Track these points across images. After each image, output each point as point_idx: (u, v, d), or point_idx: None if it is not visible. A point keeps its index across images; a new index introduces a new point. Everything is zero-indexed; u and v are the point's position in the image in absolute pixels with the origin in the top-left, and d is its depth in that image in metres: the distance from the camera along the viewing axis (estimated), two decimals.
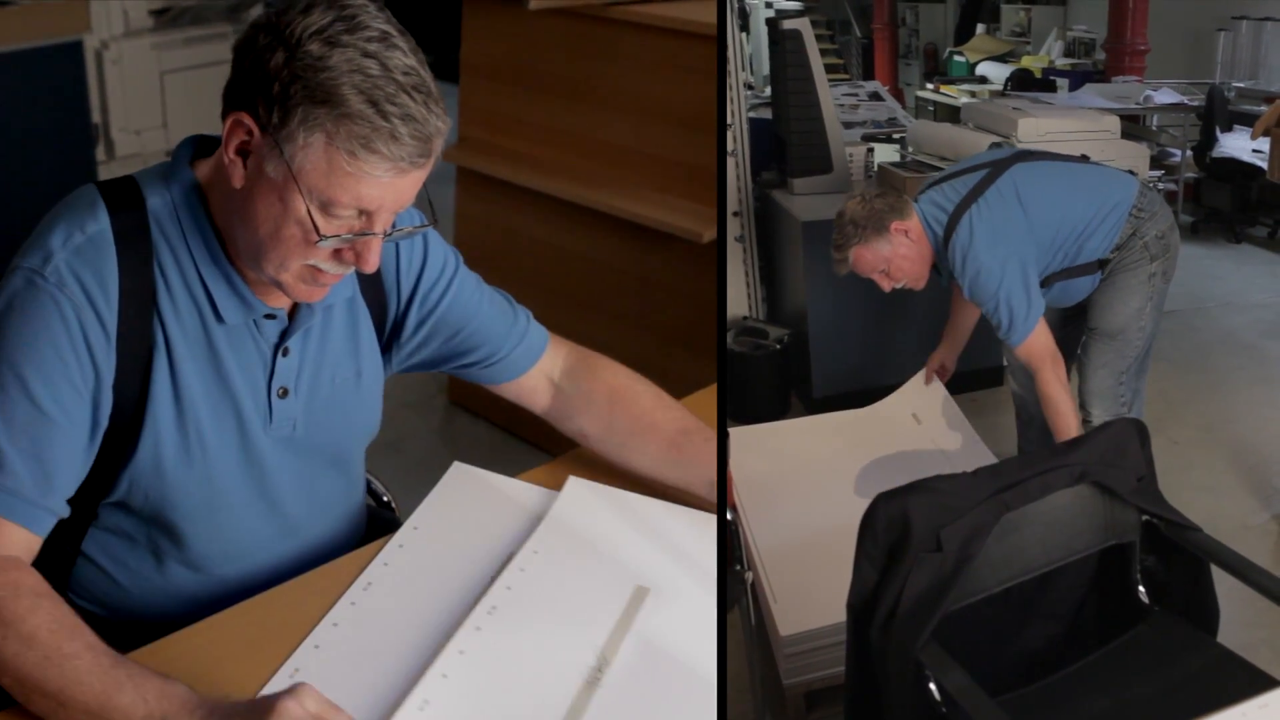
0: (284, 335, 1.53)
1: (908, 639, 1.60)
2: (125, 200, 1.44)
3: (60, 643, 1.25)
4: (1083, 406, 2.76)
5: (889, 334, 3.75)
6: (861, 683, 1.71)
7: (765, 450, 2.80)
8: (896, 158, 4.55)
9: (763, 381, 3.78)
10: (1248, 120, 5.81)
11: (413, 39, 1.37)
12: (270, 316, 1.50)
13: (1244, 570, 1.75)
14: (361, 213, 1.37)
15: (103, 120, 4.88)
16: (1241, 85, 6.69)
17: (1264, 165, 5.47)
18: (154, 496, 1.48)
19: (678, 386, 2.13)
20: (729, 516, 1.76)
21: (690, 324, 3.39)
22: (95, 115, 4.81)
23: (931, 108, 7.98)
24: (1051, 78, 7.48)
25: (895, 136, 4.79)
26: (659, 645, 1.43)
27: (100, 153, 4.87)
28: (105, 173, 4.83)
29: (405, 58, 1.34)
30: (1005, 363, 3.01)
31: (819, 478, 2.67)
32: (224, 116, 1.39)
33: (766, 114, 4.54)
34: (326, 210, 1.35)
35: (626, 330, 3.54)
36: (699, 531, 1.64)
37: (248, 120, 1.35)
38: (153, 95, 5.01)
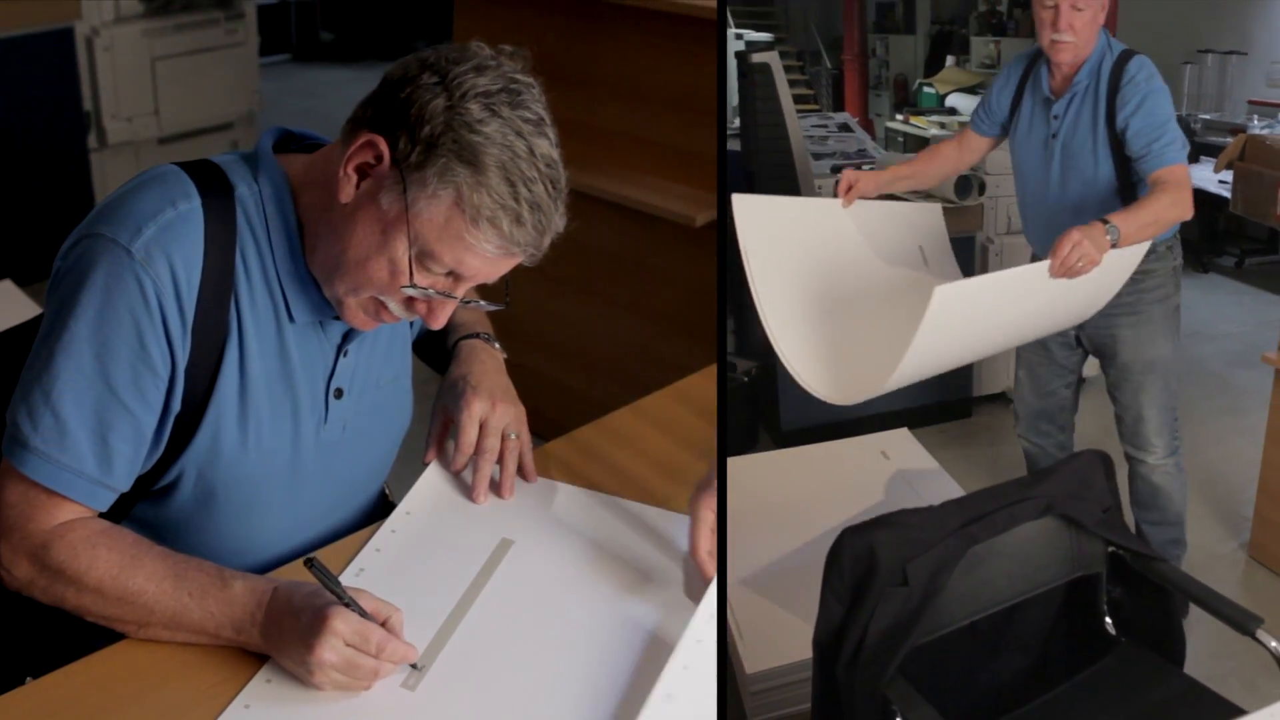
0: (346, 337, 1.53)
1: (874, 675, 1.59)
2: (213, 183, 1.42)
3: (125, 583, 1.37)
4: (1139, 449, 2.70)
5: None
6: None
7: (732, 486, 2.78)
8: None
9: (731, 414, 3.77)
10: (1214, 152, 5.85)
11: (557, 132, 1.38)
12: (337, 317, 1.49)
13: (1209, 600, 1.76)
14: (451, 274, 1.38)
15: (94, 107, 4.88)
16: (1208, 117, 6.75)
17: (1230, 196, 5.52)
18: (201, 489, 1.47)
19: (671, 370, 2.12)
20: None
21: (683, 308, 3.38)
22: (86, 102, 4.81)
23: (901, 139, 8.01)
24: None
25: (864, 168, 4.80)
26: None
27: (92, 140, 4.86)
28: (97, 161, 4.84)
29: (550, 149, 1.36)
30: (1016, 415, 2.95)
31: (785, 514, 2.65)
32: (352, 128, 1.38)
33: (735, 146, 4.55)
34: (422, 260, 1.36)
35: (620, 314, 3.56)
36: None
37: (382, 145, 1.34)
38: (144, 82, 5.02)
